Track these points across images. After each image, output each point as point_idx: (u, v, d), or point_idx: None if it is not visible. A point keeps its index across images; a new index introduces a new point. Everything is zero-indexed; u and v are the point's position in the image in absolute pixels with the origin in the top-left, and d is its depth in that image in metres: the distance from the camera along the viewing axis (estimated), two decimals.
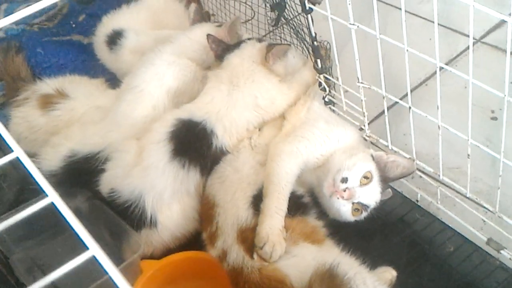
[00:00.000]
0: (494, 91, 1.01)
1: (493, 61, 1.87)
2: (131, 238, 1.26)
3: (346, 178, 1.27)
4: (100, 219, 1.29)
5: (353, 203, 1.28)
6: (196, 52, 1.58)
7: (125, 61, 1.80)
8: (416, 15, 2.09)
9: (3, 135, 0.63)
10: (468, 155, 1.20)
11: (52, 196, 0.57)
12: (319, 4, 1.26)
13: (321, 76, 1.40)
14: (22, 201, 1.40)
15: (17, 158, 0.61)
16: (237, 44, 1.52)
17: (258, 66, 1.45)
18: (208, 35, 1.52)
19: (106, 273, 0.51)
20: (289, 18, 1.58)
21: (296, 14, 1.54)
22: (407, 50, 1.13)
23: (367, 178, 1.29)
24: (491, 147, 1.15)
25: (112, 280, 0.50)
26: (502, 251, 1.27)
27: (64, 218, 0.55)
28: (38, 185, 0.59)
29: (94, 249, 0.53)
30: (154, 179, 1.31)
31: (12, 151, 0.61)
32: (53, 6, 2.19)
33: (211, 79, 1.47)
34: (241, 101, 1.41)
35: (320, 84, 1.42)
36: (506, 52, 0.94)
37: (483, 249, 1.33)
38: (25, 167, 0.60)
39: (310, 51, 1.42)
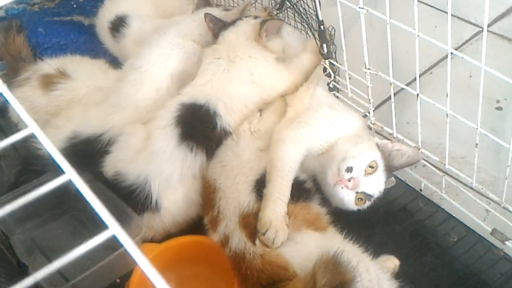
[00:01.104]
0: (503, 77, 1.00)
1: (499, 50, 1.85)
2: (133, 221, 1.25)
3: (351, 168, 1.26)
4: (102, 202, 1.27)
5: (357, 193, 1.27)
6: (201, 35, 1.56)
7: (128, 50, 1.78)
8: (422, 2, 2.06)
9: (18, 111, 0.61)
10: (476, 144, 1.19)
11: (70, 173, 0.55)
12: None
13: (326, 61, 1.38)
14: (22, 182, 1.38)
15: (32, 133, 0.59)
16: (233, 21, 1.51)
17: (252, 42, 1.45)
18: (206, 14, 1.51)
19: (128, 253, 0.49)
20: (295, 1, 1.55)
21: None
22: (418, 35, 1.11)
23: (372, 167, 1.27)
24: (496, 137, 1.14)
25: (135, 261, 0.48)
26: (507, 242, 1.26)
27: (82, 196, 0.53)
28: (55, 161, 0.56)
29: (114, 228, 0.51)
30: (161, 164, 1.30)
31: (27, 126, 0.60)
32: None
33: (208, 54, 1.46)
34: (238, 77, 1.40)
35: (325, 69, 1.40)
36: None
37: (487, 240, 1.32)
38: (40, 143, 0.58)
39: (316, 36, 1.40)
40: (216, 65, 1.42)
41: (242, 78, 1.40)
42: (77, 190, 0.55)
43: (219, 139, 1.38)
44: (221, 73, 1.41)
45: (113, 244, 1.33)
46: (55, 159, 0.57)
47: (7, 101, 0.63)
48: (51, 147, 0.58)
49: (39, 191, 0.53)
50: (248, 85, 1.41)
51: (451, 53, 1.11)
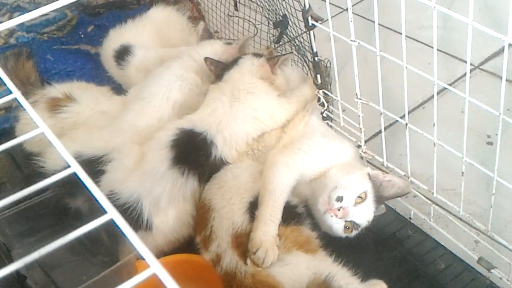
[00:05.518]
0: (490, 109, 1.04)
1: (491, 88, 1.90)
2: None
3: (342, 197, 1.30)
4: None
5: (345, 221, 1.31)
6: (204, 67, 1.61)
7: (132, 77, 1.86)
8: (416, 40, 2.13)
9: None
10: (462, 173, 1.23)
11: (112, 213, 0.59)
12: (321, 21, 1.31)
13: (320, 91, 1.44)
14: (25, 198, 1.41)
15: (75, 173, 0.61)
16: (235, 60, 1.56)
17: (258, 80, 1.50)
18: (206, 58, 1.57)
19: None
20: (292, 36, 1.62)
21: (300, 33, 1.58)
22: (406, 67, 1.16)
23: (361, 198, 1.31)
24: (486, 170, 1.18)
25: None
26: (492, 270, 1.28)
27: (124, 234, 0.56)
28: (97, 201, 0.60)
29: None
30: (152, 184, 1.34)
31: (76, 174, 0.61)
32: (63, 17, 2.27)
33: (213, 90, 1.51)
34: (242, 113, 1.45)
35: (319, 99, 1.46)
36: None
37: (473, 268, 1.34)
38: (82, 181, 0.61)
39: (311, 67, 1.46)
40: (219, 101, 1.46)
41: (246, 114, 1.45)
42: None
43: (214, 166, 1.42)
44: (224, 108, 1.45)
45: (108, 260, 1.35)
46: (97, 198, 0.60)
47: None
48: (93, 187, 0.61)
49: (81, 230, 0.56)
50: (251, 121, 1.45)
51: (444, 88, 1.16)
